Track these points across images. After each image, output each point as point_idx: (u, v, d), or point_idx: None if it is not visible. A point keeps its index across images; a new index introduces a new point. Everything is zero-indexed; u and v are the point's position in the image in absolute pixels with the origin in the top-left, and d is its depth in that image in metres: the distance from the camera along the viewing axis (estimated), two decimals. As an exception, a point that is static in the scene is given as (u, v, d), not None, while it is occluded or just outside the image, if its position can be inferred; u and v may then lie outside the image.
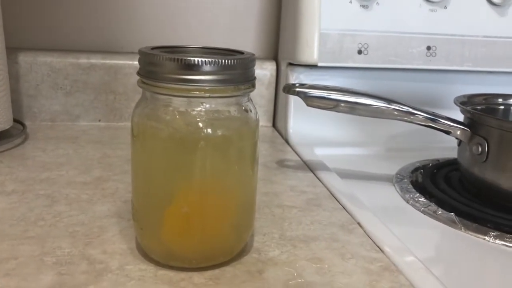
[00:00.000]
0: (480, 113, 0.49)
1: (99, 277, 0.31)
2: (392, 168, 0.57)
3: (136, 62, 0.67)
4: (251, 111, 0.33)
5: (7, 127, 0.58)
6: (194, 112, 0.30)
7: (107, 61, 0.68)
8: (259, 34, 0.75)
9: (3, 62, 0.56)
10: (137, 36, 0.71)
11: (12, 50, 0.64)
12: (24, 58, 0.65)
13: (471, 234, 0.42)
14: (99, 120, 0.69)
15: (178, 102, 0.30)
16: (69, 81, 0.67)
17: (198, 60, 0.29)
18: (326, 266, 0.35)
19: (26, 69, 0.66)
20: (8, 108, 0.58)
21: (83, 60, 0.67)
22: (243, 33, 0.74)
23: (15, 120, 0.61)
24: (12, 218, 0.39)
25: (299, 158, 0.59)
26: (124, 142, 0.61)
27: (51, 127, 0.66)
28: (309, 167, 0.56)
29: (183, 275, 0.32)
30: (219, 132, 0.30)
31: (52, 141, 0.60)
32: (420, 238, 0.42)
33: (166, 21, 0.72)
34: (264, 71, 0.72)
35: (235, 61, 0.30)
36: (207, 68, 0.29)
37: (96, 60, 0.67)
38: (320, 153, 0.61)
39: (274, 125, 0.74)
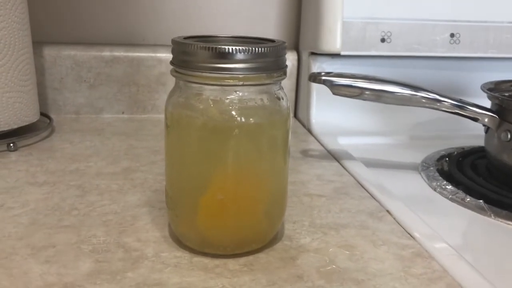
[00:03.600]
0: (510, 99, 0.48)
1: (136, 264, 0.32)
2: (416, 157, 0.57)
3: (159, 54, 0.69)
4: (282, 99, 0.33)
5: (35, 120, 0.59)
6: (228, 101, 0.30)
7: (130, 54, 0.68)
8: (280, 23, 0.75)
9: (30, 56, 0.57)
10: (157, 27, 0.72)
11: (37, 44, 0.65)
12: (49, 52, 0.66)
13: (501, 221, 0.42)
14: (123, 112, 0.70)
15: (211, 91, 0.30)
16: (93, 74, 0.68)
17: (231, 49, 0.29)
18: (358, 252, 0.35)
19: (51, 62, 0.67)
20: (35, 101, 0.59)
21: (106, 53, 0.68)
22: (263, 22, 0.74)
23: (41, 113, 0.62)
24: (47, 208, 0.40)
25: (323, 148, 0.59)
26: (149, 133, 0.62)
27: (76, 119, 0.67)
28: (334, 156, 0.56)
29: (217, 261, 0.32)
30: (253, 120, 0.31)
31: (78, 133, 0.61)
32: (449, 225, 0.42)
33: (185, 12, 0.72)
34: (285, 61, 0.72)
35: (268, 49, 0.30)
36: (240, 56, 0.29)
37: (119, 53, 0.68)
38: (343, 143, 0.60)
39: (295, 115, 0.74)
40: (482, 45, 0.66)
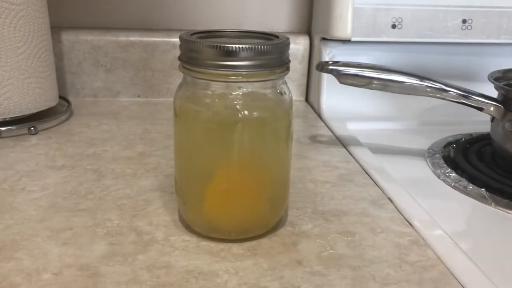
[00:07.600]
0: (514, 89, 0.49)
1: (146, 247, 0.34)
2: (424, 143, 0.58)
3: (173, 39, 0.70)
4: (285, 93, 0.34)
5: (54, 104, 0.61)
6: (232, 96, 0.32)
7: (145, 39, 0.70)
8: (292, 8, 0.75)
9: (48, 43, 0.59)
10: (172, 12, 0.73)
11: (55, 30, 0.67)
12: (67, 37, 0.68)
13: (501, 210, 0.43)
14: (139, 96, 0.72)
15: (217, 86, 0.32)
16: (109, 59, 0.70)
17: (235, 47, 0.31)
18: (357, 239, 0.36)
19: (69, 47, 0.69)
20: (54, 86, 0.61)
21: (122, 38, 0.69)
22: (276, 7, 0.75)
23: (60, 97, 0.64)
24: (65, 191, 0.42)
25: (331, 133, 0.61)
26: (163, 117, 0.64)
27: (93, 103, 0.69)
28: (341, 142, 0.57)
29: (223, 246, 0.35)
30: (256, 114, 0.32)
31: (95, 117, 0.63)
32: (450, 213, 0.43)
33: (200, -3, 0.73)
34: (297, 46, 0.73)
35: (271, 46, 0.31)
36: (244, 54, 0.31)
37: (134, 38, 0.70)
38: (352, 128, 0.62)
39: (307, 99, 0.75)
40: (495, 31, 0.66)
